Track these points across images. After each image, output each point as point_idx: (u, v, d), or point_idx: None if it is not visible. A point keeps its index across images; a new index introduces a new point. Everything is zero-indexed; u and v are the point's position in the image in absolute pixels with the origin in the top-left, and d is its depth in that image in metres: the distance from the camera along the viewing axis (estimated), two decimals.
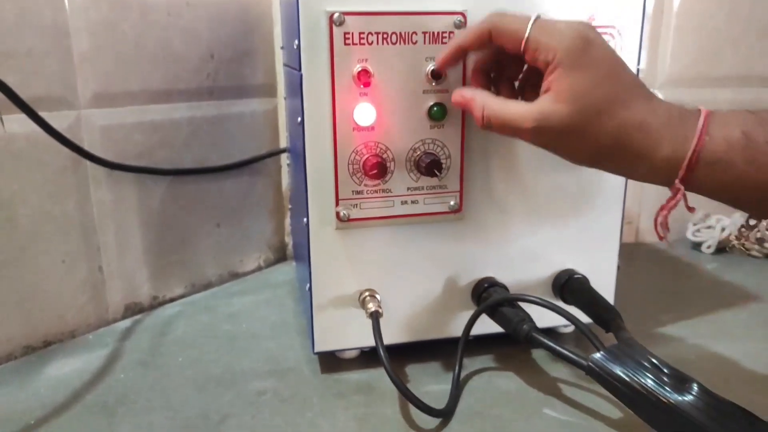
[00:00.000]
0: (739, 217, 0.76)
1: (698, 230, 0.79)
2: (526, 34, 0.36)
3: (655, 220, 0.38)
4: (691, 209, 0.37)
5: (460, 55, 0.41)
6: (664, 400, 0.36)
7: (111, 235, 0.58)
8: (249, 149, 0.70)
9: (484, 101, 0.39)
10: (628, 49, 0.48)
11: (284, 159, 0.74)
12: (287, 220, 0.77)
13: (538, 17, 0.37)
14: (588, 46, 0.35)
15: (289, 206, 0.74)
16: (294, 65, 0.46)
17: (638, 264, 0.74)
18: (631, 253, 0.77)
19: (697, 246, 0.79)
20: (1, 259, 0.51)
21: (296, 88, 0.44)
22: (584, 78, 0.34)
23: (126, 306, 0.61)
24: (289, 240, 0.77)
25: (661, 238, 0.39)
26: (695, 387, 0.37)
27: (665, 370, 0.38)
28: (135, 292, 0.62)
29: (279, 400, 0.46)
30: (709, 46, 0.72)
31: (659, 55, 0.74)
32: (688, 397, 0.36)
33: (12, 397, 0.47)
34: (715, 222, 0.78)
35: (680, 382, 0.37)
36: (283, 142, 0.74)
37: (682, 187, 0.35)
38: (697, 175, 0.34)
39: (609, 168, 0.38)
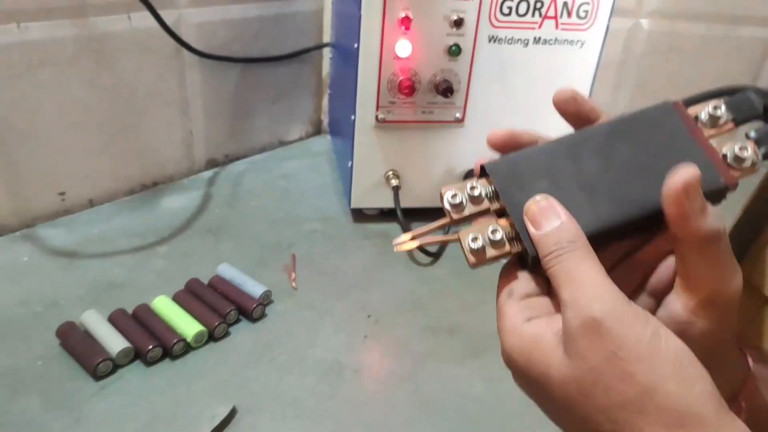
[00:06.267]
0: None
1: None
2: None
3: None
4: None
5: None
6: None
7: (199, 108, 0.77)
8: (299, 43, 0.86)
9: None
10: None
11: (326, 52, 0.91)
12: (324, 101, 0.95)
13: None
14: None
15: (329, 91, 0.92)
16: (356, 7, 0.62)
17: None
18: None
19: None
20: (126, 122, 0.70)
21: (355, 23, 0.61)
22: None
23: (207, 161, 0.82)
24: (324, 117, 0.96)
25: None
26: None
27: None
28: (213, 150, 0.82)
29: (326, 237, 0.69)
30: None
31: None
32: None
33: (142, 219, 0.69)
34: None
35: None
36: (326, 38, 0.89)
37: None
38: None
39: None
